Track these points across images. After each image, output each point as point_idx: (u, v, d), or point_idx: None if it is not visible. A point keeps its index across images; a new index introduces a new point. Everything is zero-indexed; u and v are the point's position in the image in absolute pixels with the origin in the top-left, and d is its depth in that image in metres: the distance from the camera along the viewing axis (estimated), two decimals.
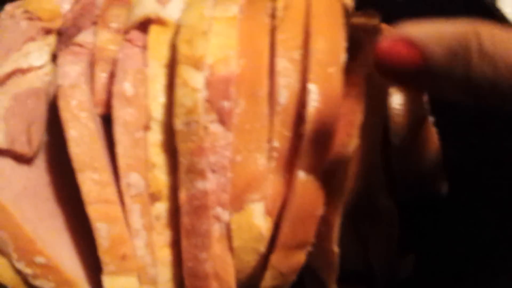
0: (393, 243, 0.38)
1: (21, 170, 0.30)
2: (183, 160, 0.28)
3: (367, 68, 0.32)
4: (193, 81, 0.29)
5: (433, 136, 0.39)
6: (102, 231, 0.27)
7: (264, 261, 0.30)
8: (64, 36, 0.33)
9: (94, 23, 0.34)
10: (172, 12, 0.33)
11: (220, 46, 0.31)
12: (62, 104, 0.28)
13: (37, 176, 0.30)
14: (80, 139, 0.28)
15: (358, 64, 0.32)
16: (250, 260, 0.29)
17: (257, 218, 0.29)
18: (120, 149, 0.29)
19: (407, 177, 0.39)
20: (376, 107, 0.33)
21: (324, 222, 0.29)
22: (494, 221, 0.37)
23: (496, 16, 0.36)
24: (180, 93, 0.29)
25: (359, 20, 0.35)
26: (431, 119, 0.39)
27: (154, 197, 0.30)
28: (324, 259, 0.30)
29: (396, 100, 0.38)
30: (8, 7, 0.37)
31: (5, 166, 0.29)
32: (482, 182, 0.39)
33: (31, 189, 0.30)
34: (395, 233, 0.37)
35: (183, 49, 0.29)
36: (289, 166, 0.30)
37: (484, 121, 0.37)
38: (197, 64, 0.29)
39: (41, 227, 0.29)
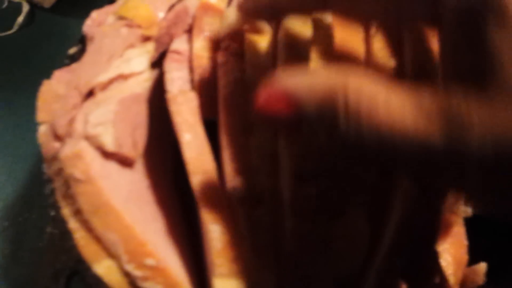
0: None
1: (125, 173, 0.30)
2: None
3: None
4: None
5: None
6: (215, 233, 0.27)
7: None
8: (158, 43, 0.34)
9: (186, 31, 0.34)
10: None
11: None
12: (174, 109, 0.29)
13: (138, 179, 0.31)
14: (192, 142, 0.28)
15: None
16: None
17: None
18: (226, 153, 0.29)
19: None
20: None
21: None
22: None
23: None
24: None
25: None
26: None
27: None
28: None
29: None
30: (94, 14, 0.38)
31: (112, 170, 0.30)
32: None
33: (135, 192, 0.30)
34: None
35: None
36: None
37: None
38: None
39: (148, 230, 0.29)
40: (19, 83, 0.59)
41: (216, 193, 0.28)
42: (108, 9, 0.37)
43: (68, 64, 0.37)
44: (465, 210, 0.38)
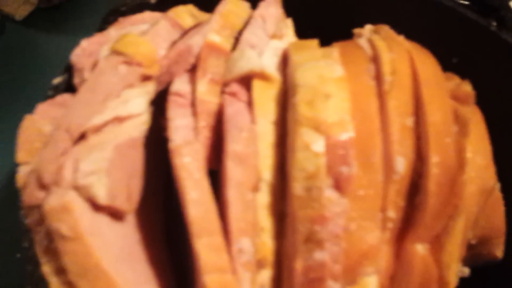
0: None
1: (116, 228, 0.27)
2: (301, 228, 0.27)
3: (467, 138, 0.31)
4: (315, 145, 0.27)
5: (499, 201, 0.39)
6: None
7: None
8: (157, 82, 0.31)
9: (188, 71, 0.32)
10: (267, 65, 0.32)
11: (334, 109, 0.29)
12: (178, 162, 0.26)
13: (130, 233, 0.28)
14: (198, 201, 0.26)
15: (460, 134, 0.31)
16: None
17: None
18: (232, 212, 0.27)
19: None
20: None
21: None
22: None
23: None
24: (301, 156, 0.27)
25: (449, 86, 0.34)
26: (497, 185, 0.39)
27: (260, 264, 0.28)
28: None
29: None
30: (85, 43, 0.34)
31: (102, 225, 0.27)
32: None
33: (127, 249, 0.27)
34: None
35: (304, 111, 0.28)
36: (401, 238, 0.29)
37: None
38: (319, 128, 0.27)
39: None
40: None
41: (220, 257, 0.26)
42: (99, 39, 0.34)
43: (51, 96, 0.34)
44: (463, 270, 0.37)
